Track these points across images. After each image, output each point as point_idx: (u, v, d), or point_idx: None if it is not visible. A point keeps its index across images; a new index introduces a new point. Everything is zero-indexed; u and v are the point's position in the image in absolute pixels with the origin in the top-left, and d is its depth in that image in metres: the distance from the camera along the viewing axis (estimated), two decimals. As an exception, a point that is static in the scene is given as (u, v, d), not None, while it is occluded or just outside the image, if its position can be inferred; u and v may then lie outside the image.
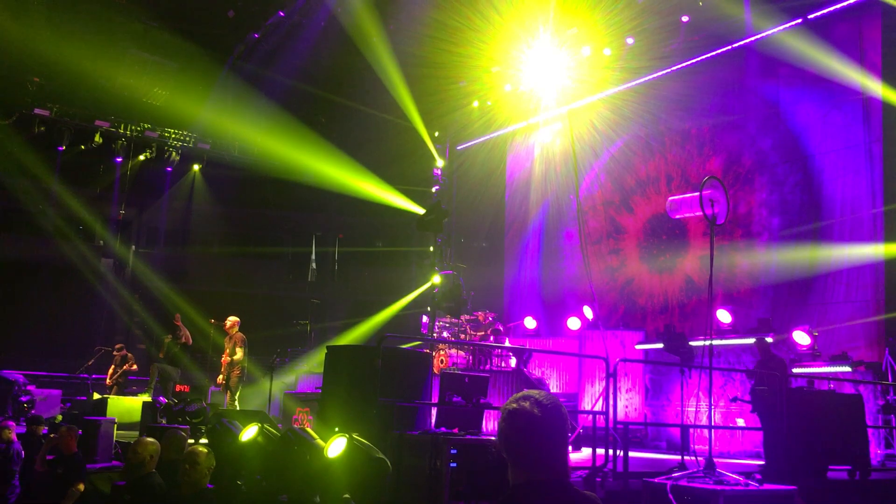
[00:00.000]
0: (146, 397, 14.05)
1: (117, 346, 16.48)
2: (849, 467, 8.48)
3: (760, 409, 9.39)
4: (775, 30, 13.83)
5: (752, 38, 14.24)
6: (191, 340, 15.36)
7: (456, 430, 7.09)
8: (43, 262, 21.23)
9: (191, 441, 9.29)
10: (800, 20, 13.51)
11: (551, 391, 14.81)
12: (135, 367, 16.09)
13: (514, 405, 2.46)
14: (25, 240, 21.66)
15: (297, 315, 19.49)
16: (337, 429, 6.10)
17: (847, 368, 11.18)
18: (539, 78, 17.46)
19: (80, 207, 21.01)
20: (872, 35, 12.97)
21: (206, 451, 5.56)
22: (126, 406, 13.75)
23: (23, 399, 14.06)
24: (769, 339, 10.69)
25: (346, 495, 5.14)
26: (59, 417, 13.35)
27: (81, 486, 8.22)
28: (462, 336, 15.36)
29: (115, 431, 10.54)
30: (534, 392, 2.50)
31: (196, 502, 5.33)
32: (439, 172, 21.43)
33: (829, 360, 11.50)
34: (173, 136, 20.80)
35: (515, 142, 20.09)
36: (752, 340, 12.04)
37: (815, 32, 13.15)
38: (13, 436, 10.08)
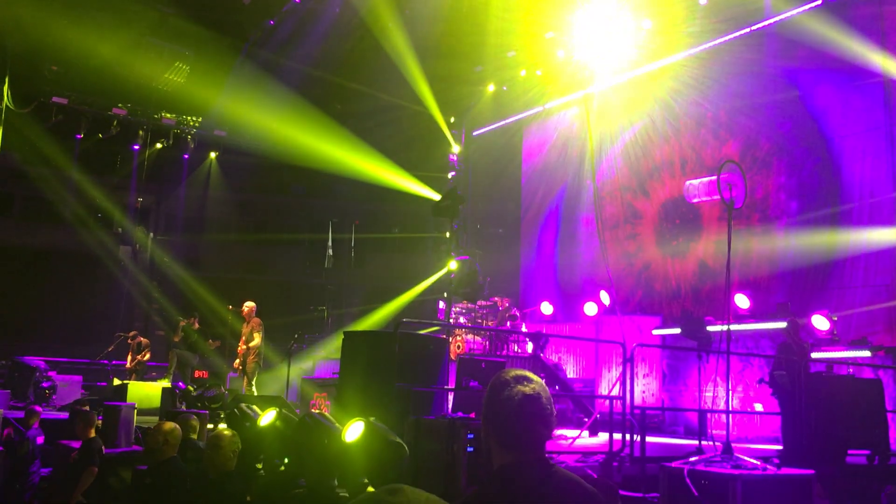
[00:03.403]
0: (165, 383, 14.20)
1: (131, 334, 16.62)
2: (868, 452, 8.44)
3: (779, 394, 9.36)
4: (794, 12, 13.65)
5: (771, 21, 14.07)
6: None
7: (473, 415, 7.11)
8: (63, 250, 21.43)
9: (210, 426, 9.40)
10: (820, 2, 13.33)
11: (568, 376, 14.82)
12: (147, 356, 16.23)
13: (516, 389, 2.43)
14: (45, 228, 21.86)
15: (314, 301, 19.61)
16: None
17: (866, 353, 11.11)
18: (556, 62, 17.40)
19: (98, 195, 21.17)
20: (894, 16, 12.78)
21: (229, 433, 5.59)
22: (146, 392, 13.89)
23: (44, 385, 14.25)
24: (801, 321, 10.61)
25: (365, 479, 5.17)
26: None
27: (95, 470, 8.33)
28: (480, 321, 15.40)
29: (135, 417, 10.64)
30: (520, 371, 2.50)
31: (218, 485, 5.37)
32: (455, 158, 21.41)
33: (848, 345, 11.43)
34: (190, 123, 20.89)
35: (532, 127, 20.01)
36: (770, 325, 11.99)
37: (835, 14, 12.97)
38: (35, 422, 10.26)
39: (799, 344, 9.93)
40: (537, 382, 2.47)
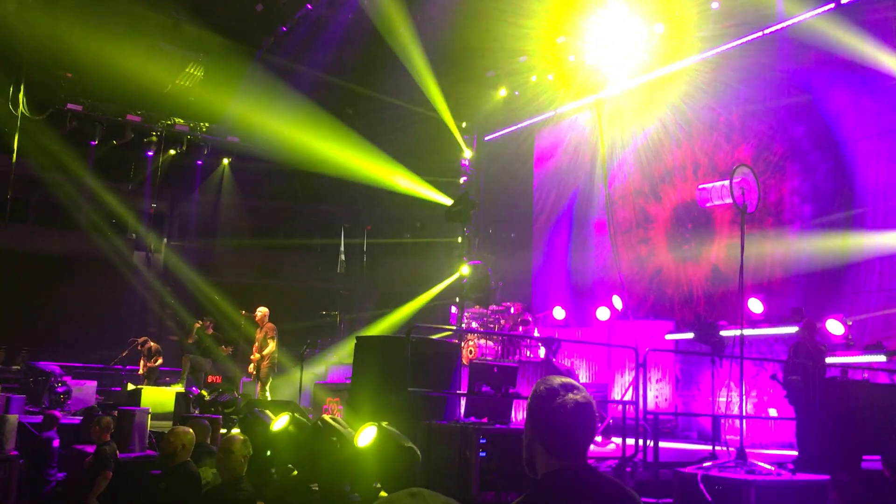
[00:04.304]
0: (179, 388, 14.25)
1: (141, 340, 16.66)
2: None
3: (794, 399, 9.30)
4: (807, 15, 13.60)
5: (784, 24, 14.02)
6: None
7: (485, 420, 7.11)
8: (77, 256, 21.55)
9: (223, 431, 9.44)
10: (833, 5, 13.26)
11: (581, 381, 14.78)
12: (159, 361, 16.30)
13: (569, 397, 2.46)
14: (60, 234, 22.01)
15: (326, 306, 19.64)
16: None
17: (882, 358, 11.02)
18: (567, 67, 17.39)
19: (113, 201, 21.31)
20: (908, 19, 12.71)
21: (241, 438, 5.62)
22: (159, 397, 13.95)
23: (59, 390, 14.33)
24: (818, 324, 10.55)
25: (377, 484, 5.18)
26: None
27: (109, 475, 8.37)
28: (492, 326, 15.38)
29: (149, 421, 10.69)
30: (566, 379, 2.52)
31: (230, 490, 5.39)
32: (467, 163, 21.43)
33: (863, 350, 11.34)
34: (203, 130, 21.00)
35: (543, 132, 20.01)
36: (784, 330, 11.91)
37: (848, 17, 12.91)
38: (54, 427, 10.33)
39: (815, 346, 9.86)
40: (584, 390, 2.51)
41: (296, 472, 6.00)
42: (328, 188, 23.33)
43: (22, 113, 17.76)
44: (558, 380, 2.52)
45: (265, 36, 17.78)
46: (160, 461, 6.60)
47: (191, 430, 6.45)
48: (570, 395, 2.46)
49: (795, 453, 8.84)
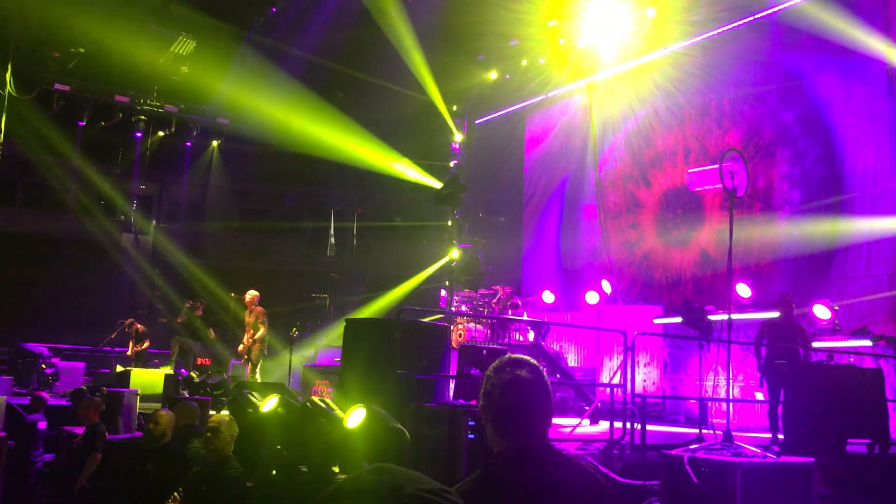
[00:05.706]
0: (168, 370, 14.25)
1: (127, 322, 16.60)
2: (868, 441, 8.47)
3: (777, 382, 9.38)
4: (799, 0, 13.60)
5: (774, 9, 14.02)
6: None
7: (474, 402, 7.13)
8: (66, 237, 21.44)
9: (212, 412, 9.44)
10: (823, -10, 13.28)
11: (569, 365, 14.86)
12: (146, 344, 16.25)
13: (509, 374, 2.42)
14: (48, 215, 21.88)
15: (316, 289, 19.63)
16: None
17: (868, 342, 11.12)
18: (558, 50, 17.35)
19: (101, 183, 21.19)
20: (898, 5, 12.73)
21: (227, 419, 5.65)
22: (148, 378, 13.94)
23: (48, 371, 14.31)
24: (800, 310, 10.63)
25: (366, 465, 5.20)
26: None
27: (98, 456, 8.38)
28: (481, 310, 15.41)
29: (138, 403, 10.69)
30: (517, 357, 2.49)
31: (219, 469, 5.42)
32: (457, 146, 21.37)
33: (849, 335, 11.44)
34: (192, 111, 20.86)
35: (534, 115, 19.98)
36: (771, 315, 12.00)
37: (839, 2, 12.92)
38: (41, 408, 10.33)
39: (793, 323, 9.93)
40: (529, 368, 2.44)
41: (284, 453, 6.01)
42: (318, 171, 23.27)
43: (9, 93, 17.59)
44: (508, 357, 2.49)
45: (255, 16, 17.64)
46: (146, 443, 6.63)
47: (171, 412, 6.50)
48: (508, 374, 2.42)
49: (781, 436, 8.92)
